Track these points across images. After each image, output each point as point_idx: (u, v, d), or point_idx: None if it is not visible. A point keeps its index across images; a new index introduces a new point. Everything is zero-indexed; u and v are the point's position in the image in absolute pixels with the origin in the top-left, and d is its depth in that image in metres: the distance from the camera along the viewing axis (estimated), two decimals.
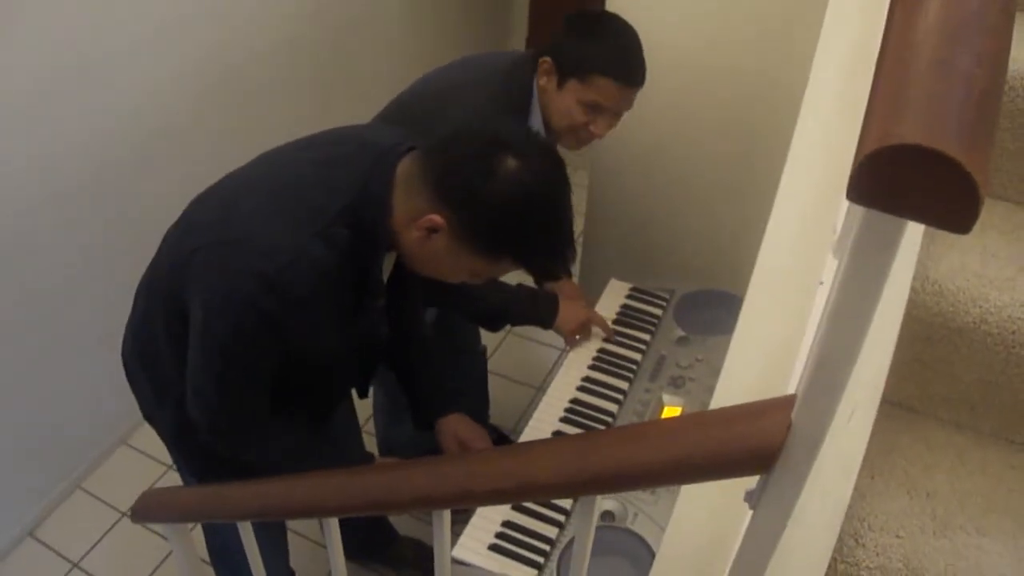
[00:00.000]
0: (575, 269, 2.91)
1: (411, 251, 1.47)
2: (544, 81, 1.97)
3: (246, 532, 1.62)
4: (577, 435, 1.10)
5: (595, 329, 2.26)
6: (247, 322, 1.42)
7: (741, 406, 0.79)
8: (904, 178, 0.51)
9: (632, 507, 1.79)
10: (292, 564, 2.27)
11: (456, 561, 1.72)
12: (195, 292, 1.48)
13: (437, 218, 1.39)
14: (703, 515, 1.13)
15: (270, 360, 1.50)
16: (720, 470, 0.80)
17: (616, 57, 1.95)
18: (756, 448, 0.73)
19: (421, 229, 1.41)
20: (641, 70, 1.97)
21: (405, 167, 1.46)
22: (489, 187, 1.36)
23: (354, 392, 1.93)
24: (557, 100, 1.97)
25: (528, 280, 2.37)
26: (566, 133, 2.02)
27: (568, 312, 2.19)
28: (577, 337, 2.23)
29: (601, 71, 1.94)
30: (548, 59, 1.95)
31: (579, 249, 2.95)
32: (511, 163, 1.36)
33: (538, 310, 2.19)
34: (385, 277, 1.57)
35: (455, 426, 1.89)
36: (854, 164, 0.52)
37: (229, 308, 1.42)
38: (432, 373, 1.95)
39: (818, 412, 0.70)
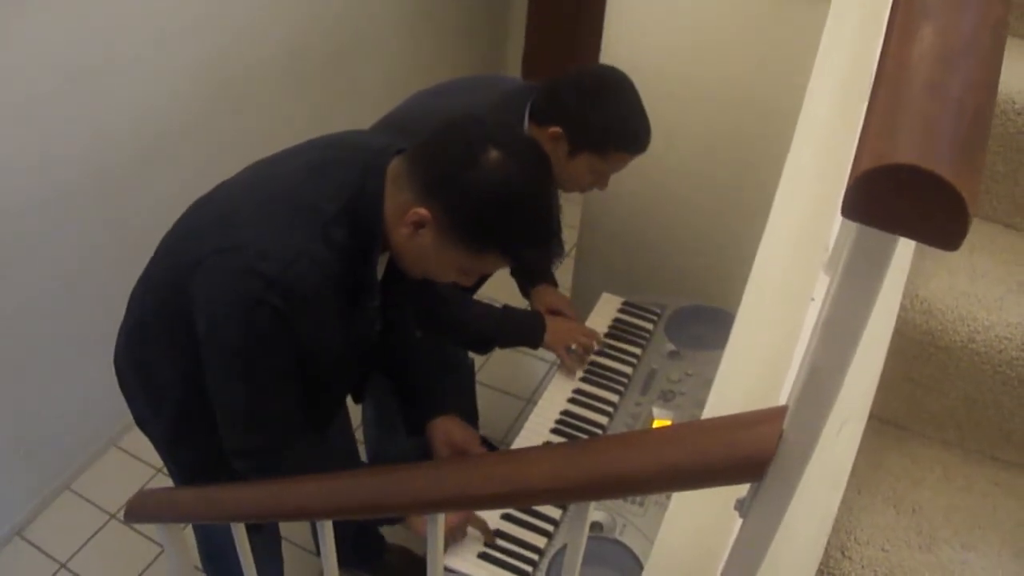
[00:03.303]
0: (567, 282, 2.93)
1: (400, 248, 1.49)
2: (550, 147, 1.94)
3: (240, 536, 1.63)
4: (572, 442, 1.12)
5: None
6: (257, 321, 1.42)
7: (734, 416, 0.81)
8: (896, 196, 0.53)
9: (621, 518, 1.80)
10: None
11: (445, 569, 1.73)
12: (200, 305, 1.49)
13: (423, 211, 1.41)
14: (692, 526, 1.14)
15: (286, 359, 1.50)
16: (713, 477, 0.81)
17: (634, 133, 1.99)
18: (748, 457, 0.75)
19: (408, 224, 1.43)
20: (650, 135, 2.01)
21: (395, 166, 1.48)
22: (472, 178, 1.38)
23: (349, 401, 1.94)
24: (568, 167, 1.98)
25: (516, 296, 2.40)
26: (569, 189, 2.07)
27: (556, 329, 2.21)
28: (573, 346, 2.23)
29: (623, 148, 1.99)
30: (559, 129, 1.94)
31: (572, 263, 2.98)
32: (494, 155, 1.38)
33: (525, 330, 2.20)
34: (378, 278, 1.59)
35: (447, 428, 1.90)
36: (849, 182, 0.54)
37: (237, 311, 1.43)
38: (423, 375, 1.96)
39: (809, 423, 0.71)
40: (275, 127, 3.05)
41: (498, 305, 2.19)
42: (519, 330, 2.20)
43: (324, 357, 1.57)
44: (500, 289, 2.41)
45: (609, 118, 1.95)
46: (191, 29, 2.71)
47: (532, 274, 2.42)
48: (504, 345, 2.27)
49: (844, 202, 0.54)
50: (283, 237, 1.42)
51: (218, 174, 1.64)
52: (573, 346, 2.22)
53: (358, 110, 2.57)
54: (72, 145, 2.50)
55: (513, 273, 2.43)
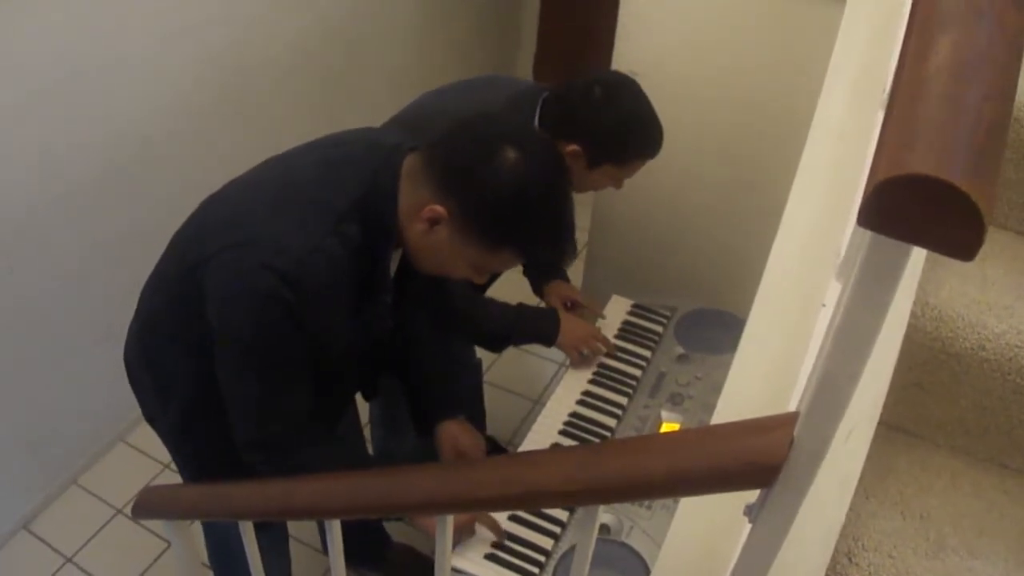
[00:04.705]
0: (578, 284, 2.93)
1: (415, 244, 1.49)
2: (570, 163, 1.89)
3: (247, 533, 1.63)
4: (582, 445, 1.12)
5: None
6: (268, 314, 1.42)
7: (745, 421, 0.81)
8: (913, 206, 0.53)
9: (628, 521, 1.80)
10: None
11: (452, 570, 1.73)
12: (212, 299, 1.49)
13: (439, 208, 1.41)
14: (700, 530, 1.14)
15: (298, 353, 1.50)
16: (723, 483, 0.82)
17: (651, 139, 2.00)
18: (759, 462, 0.75)
19: (424, 221, 1.43)
20: (663, 137, 2.02)
21: (410, 163, 1.48)
22: (489, 177, 1.39)
23: (359, 399, 1.94)
24: (587, 177, 2.00)
25: (527, 297, 2.40)
26: (583, 191, 2.07)
27: (570, 328, 2.21)
28: (585, 352, 2.23)
29: (641, 155, 2.01)
30: (577, 148, 1.93)
31: (582, 265, 2.98)
32: (511, 154, 1.39)
33: (540, 328, 2.20)
34: (391, 274, 1.59)
35: (455, 432, 1.91)
36: (865, 191, 0.54)
37: (249, 304, 1.43)
38: (432, 375, 1.97)
39: (820, 430, 0.72)
40: (282, 127, 3.05)
41: (511, 303, 2.20)
42: (533, 327, 2.20)
43: (335, 352, 1.58)
44: (511, 290, 2.41)
45: (625, 131, 1.96)
46: (197, 29, 2.71)
47: (545, 272, 2.42)
48: (518, 342, 2.27)
49: (860, 211, 0.54)
50: (295, 233, 1.43)
51: (224, 173, 1.65)
52: (585, 351, 2.23)
53: (366, 110, 2.57)
54: (77, 144, 2.51)
55: (525, 272, 2.43)
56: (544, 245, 1.50)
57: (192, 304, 1.52)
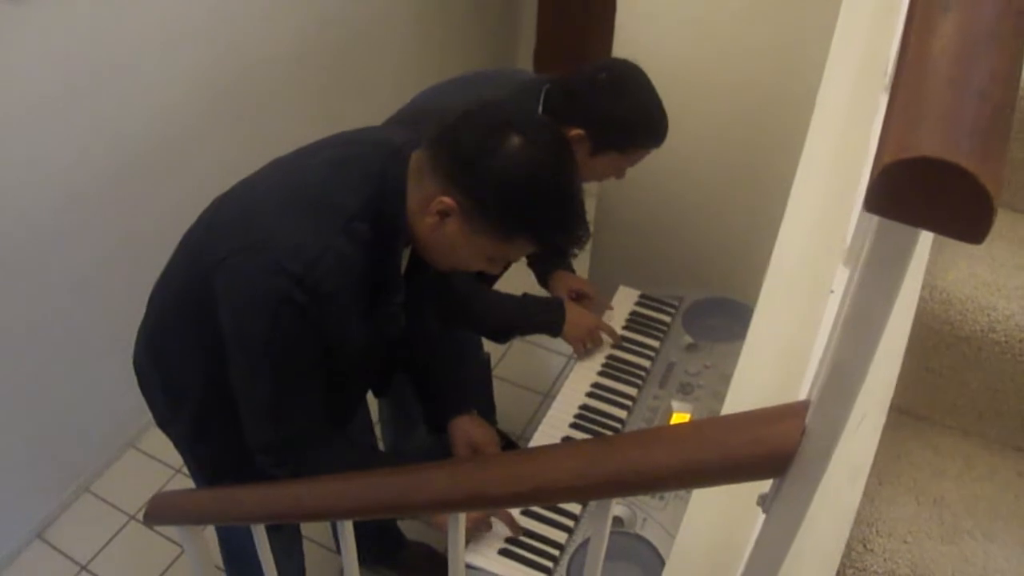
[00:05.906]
0: (584, 276, 2.92)
1: (427, 239, 1.49)
2: (573, 146, 1.93)
3: (260, 536, 1.63)
4: (593, 439, 1.12)
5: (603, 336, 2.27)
6: (283, 318, 1.42)
7: (756, 411, 0.80)
8: (920, 190, 0.52)
9: (641, 513, 1.80)
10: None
11: (466, 566, 1.73)
12: (225, 302, 1.49)
13: (447, 200, 1.40)
14: (714, 521, 1.14)
15: (312, 354, 1.50)
16: (735, 474, 0.81)
17: (656, 128, 1.98)
18: (771, 452, 0.75)
19: (433, 214, 1.43)
20: (668, 127, 2.00)
21: (416, 159, 1.48)
22: (494, 164, 1.38)
23: (370, 398, 1.94)
24: (590, 164, 1.97)
25: (533, 284, 2.39)
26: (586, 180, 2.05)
27: (575, 318, 2.20)
28: (588, 346, 2.23)
29: (645, 144, 2.00)
30: (581, 132, 1.91)
31: (588, 256, 2.97)
32: (515, 140, 1.38)
33: (545, 318, 2.19)
34: (402, 272, 1.59)
35: (468, 428, 1.90)
36: (871, 176, 0.53)
37: (263, 308, 1.43)
38: (442, 371, 1.97)
39: (831, 417, 0.71)
40: (287, 127, 3.05)
41: (516, 294, 2.19)
42: (538, 317, 2.20)
43: (348, 352, 1.58)
44: (517, 281, 2.40)
45: (631, 118, 1.95)
46: (200, 31, 2.71)
47: (549, 263, 2.42)
48: (524, 333, 2.26)
49: (867, 196, 0.53)
50: (307, 234, 1.42)
51: (232, 173, 1.65)
52: (588, 345, 2.22)
53: (369, 107, 2.57)
54: (84, 148, 2.51)
55: (530, 264, 2.42)
56: (556, 228, 1.49)
57: (204, 305, 1.52)
